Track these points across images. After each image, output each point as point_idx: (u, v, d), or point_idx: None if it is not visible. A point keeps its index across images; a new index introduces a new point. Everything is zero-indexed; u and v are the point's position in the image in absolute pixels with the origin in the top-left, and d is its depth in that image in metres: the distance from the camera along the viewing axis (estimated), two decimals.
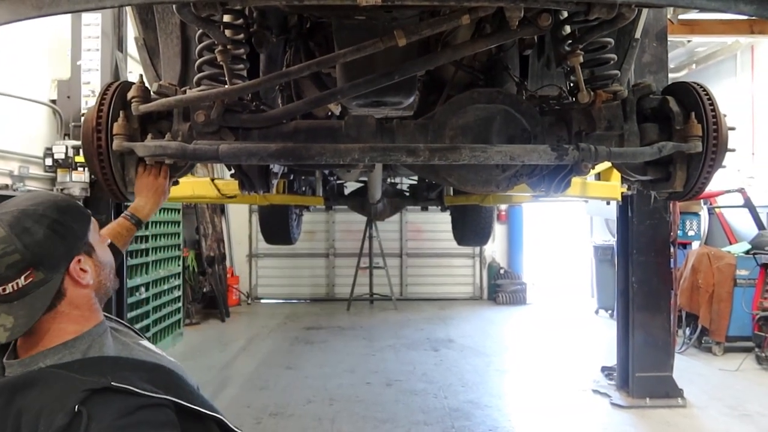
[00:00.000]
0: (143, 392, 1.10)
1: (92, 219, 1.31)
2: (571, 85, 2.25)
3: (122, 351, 1.26)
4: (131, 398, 1.08)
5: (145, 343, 1.39)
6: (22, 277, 1.13)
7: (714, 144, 2.13)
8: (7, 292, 1.13)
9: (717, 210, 8.88)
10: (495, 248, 12.33)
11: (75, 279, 1.20)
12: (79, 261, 1.22)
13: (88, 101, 5.91)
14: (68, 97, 6.09)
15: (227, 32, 1.92)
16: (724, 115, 2.19)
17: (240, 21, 1.97)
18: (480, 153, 1.95)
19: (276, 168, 2.90)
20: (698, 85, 2.23)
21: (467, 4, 1.63)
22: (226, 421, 1.25)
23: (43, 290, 1.16)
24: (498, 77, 2.56)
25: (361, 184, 6.96)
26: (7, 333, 1.15)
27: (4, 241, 1.13)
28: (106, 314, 1.33)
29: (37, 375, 1.14)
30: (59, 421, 1.03)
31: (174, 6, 1.67)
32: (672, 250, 5.66)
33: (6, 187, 5.43)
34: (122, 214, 2.02)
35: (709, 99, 2.17)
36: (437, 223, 11.41)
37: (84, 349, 1.20)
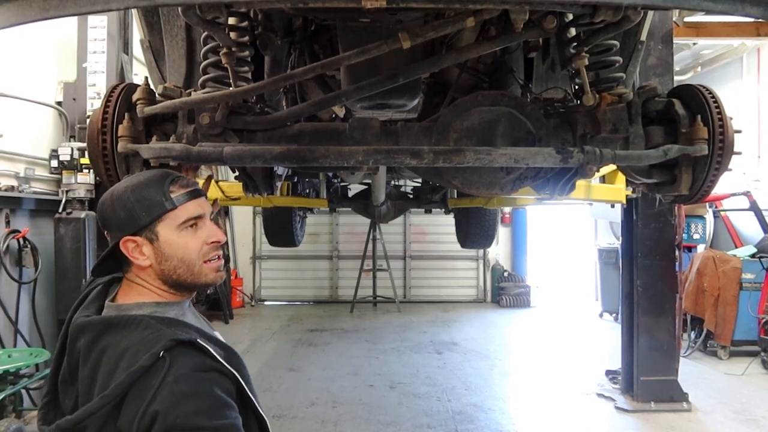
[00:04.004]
0: (219, 358, 1.23)
1: (175, 211, 1.35)
2: (576, 87, 2.25)
3: (202, 327, 1.40)
4: (208, 359, 1.22)
5: (217, 334, 1.47)
6: (105, 232, 1.37)
7: (720, 147, 2.12)
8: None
9: (722, 213, 8.84)
10: (499, 251, 12.31)
11: (126, 255, 1.33)
12: (134, 242, 1.33)
13: (94, 103, 5.94)
14: (74, 99, 6.12)
15: (232, 35, 1.92)
16: (730, 118, 2.18)
17: (245, 23, 1.97)
18: (484, 155, 1.95)
19: (280, 170, 2.90)
20: (704, 87, 2.22)
21: (472, 6, 1.63)
22: (268, 423, 1.35)
23: (109, 247, 1.36)
24: (502, 80, 2.55)
25: (365, 187, 6.96)
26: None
27: (102, 204, 1.37)
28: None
29: (130, 318, 1.27)
30: (144, 361, 1.15)
31: (179, 8, 1.67)
32: (677, 253, 5.64)
33: (12, 188, 5.44)
34: None
35: (715, 101, 2.16)
36: (441, 226, 11.41)
37: (174, 313, 1.35)
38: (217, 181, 5.44)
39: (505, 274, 12.15)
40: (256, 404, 1.30)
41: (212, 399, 1.17)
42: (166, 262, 1.33)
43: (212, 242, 1.39)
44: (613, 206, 5.83)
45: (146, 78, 2.26)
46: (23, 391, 4.71)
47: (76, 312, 1.38)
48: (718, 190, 2.46)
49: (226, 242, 10.88)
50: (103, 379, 1.19)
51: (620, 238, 6.24)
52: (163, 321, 1.27)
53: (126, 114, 2.04)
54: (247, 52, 2.01)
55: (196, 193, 1.40)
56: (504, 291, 11.85)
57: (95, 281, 1.45)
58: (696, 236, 8.48)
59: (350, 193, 7.47)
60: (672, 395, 5.50)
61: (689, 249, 8.30)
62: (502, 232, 12.09)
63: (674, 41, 5.41)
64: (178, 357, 1.18)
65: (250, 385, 1.31)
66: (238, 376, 1.26)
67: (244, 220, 12.00)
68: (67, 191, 5.85)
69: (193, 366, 1.18)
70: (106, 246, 1.43)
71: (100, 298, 1.38)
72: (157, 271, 1.34)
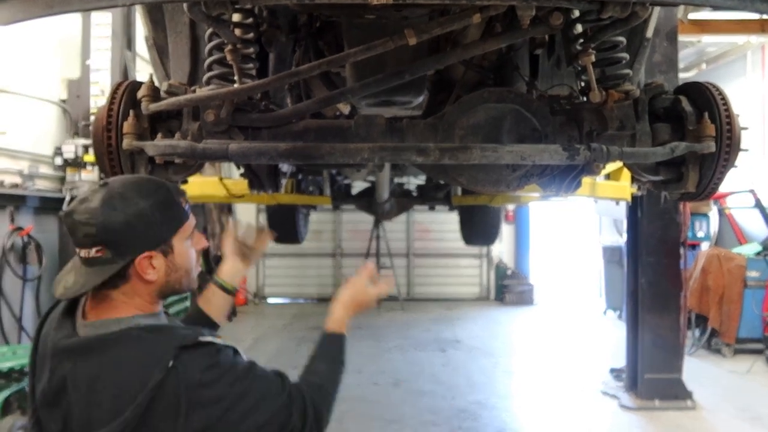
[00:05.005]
0: (217, 341, 1.24)
1: (187, 222, 1.34)
2: (582, 84, 2.23)
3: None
4: (214, 352, 1.22)
5: None
6: (93, 249, 1.23)
7: (727, 144, 2.11)
8: (83, 256, 1.24)
9: (727, 211, 8.82)
10: (502, 248, 12.29)
11: (138, 272, 1.26)
12: (151, 257, 1.26)
13: (97, 101, 5.94)
14: (78, 96, 6.13)
15: (237, 31, 1.91)
16: (737, 115, 2.16)
17: (250, 20, 1.96)
18: (491, 153, 1.93)
19: (285, 167, 2.90)
20: (711, 84, 2.21)
21: (479, 2, 1.62)
22: None
23: (106, 268, 1.23)
24: (508, 77, 2.54)
25: (369, 184, 6.97)
26: (61, 291, 1.27)
27: (90, 212, 1.22)
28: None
29: (119, 335, 1.21)
30: (156, 376, 1.13)
31: (184, 5, 1.67)
32: (682, 251, 5.63)
33: (16, 186, 5.45)
34: (212, 281, 1.80)
35: (723, 98, 2.14)
36: (444, 223, 11.41)
37: (153, 321, 1.30)
38: (221, 179, 5.45)
39: (509, 271, 12.14)
40: None
41: (237, 387, 1.20)
42: (175, 273, 1.32)
43: (200, 249, 1.41)
44: (617, 203, 5.82)
45: (151, 75, 2.25)
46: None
47: (41, 331, 1.31)
48: (722, 187, 2.44)
49: None
50: (111, 401, 1.14)
51: (625, 235, 6.22)
52: (153, 329, 1.24)
53: (131, 111, 2.04)
54: (251, 49, 2.00)
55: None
56: (507, 289, 11.85)
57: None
58: (700, 234, 8.47)
59: (354, 191, 7.48)
60: (676, 393, 5.49)
61: (694, 247, 8.28)
62: (506, 230, 12.06)
63: (679, 38, 5.38)
64: (187, 362, 1.17)
65: None
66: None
67: (248, 217, 12.00)
68: (71, 189, 5.87)
69: (204, 366, 1.18)
70: None
71: (69, 317, 1.29)
72: (161, 283, 1.30)
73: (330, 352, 1.54)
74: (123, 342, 1.20)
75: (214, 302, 1.73)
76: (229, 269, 1.81)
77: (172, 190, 1.34)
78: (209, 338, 1.24)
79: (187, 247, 1.35)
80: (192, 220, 1.37)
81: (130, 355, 1.18)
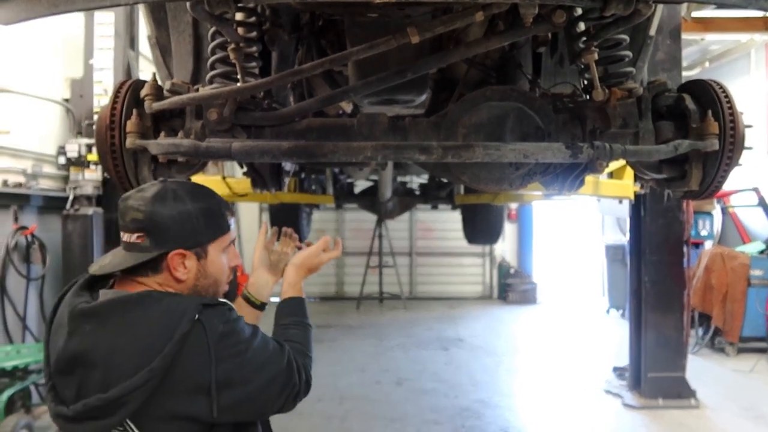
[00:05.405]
0: (228, 302, 1.35)
1: (227, 234, 1.43)
2: (585, 82, 2.23)
3: None
4: (227, 310, 1.31)
5: None
6: (135, 235, 1.32)
7: (731, 142, 2.10)
8: (125, 240, 1.34)
9: (730, 209, 8.79)
10: (505, 247, 12.29)
11: (170, 267, 1.33)
12: (183, 256, 1.34)
13: (101, 100, 5.95)
14: (81, 95, 6.14)
15: (240, 30, 1.91)
16: (741, 113, 2.16)
17: (253, 19, 1.96)
18: (494, 151, 1.93)
19: (288, 166, 2.90)
20: (715, 82, 2.20)
21: (481, 0, 1.62)
22: None
23: (140, 255, 1.32)
24: (510, 75, 2.53)
25: (372, 183, 6.97)
26: (96, 267, 1.35)
27: (143, 200, 1.33)
28: None
29: (141, 294, 1.28)
30: (183, 327, 1.21)
31: (188, 3, 1.67)
32: (685, 249, 5.62)
33: (20, 185, 5.47)
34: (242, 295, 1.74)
35: (726, 96, 2.14)
36: (447, 222, 11.41)
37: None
38: (224, 177, 5.45)
39: (512, 270, 12.14)
40: None
41: (250, 342, 1.29)
42: (204, 279, 1.38)
43: (233, 266, 1.47)
44: (620, 202, 5.81)
45: (154, 74, 2.25)
46: (32, 387, 4.74)
47: (59, 306, 1.33)
48: (726, 185, 2.44)
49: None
50: (135, 357, 1.19)
51: (627, 234, 6.22)
52: (170, 293, 1.33)
53: (134, 110, 2.04)
54: (254, 48, 2.00)
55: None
56: (510, 287, 11.84)
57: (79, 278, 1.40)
58: (704, 232, 8.45)
59: (356, 190, 7.48)
60: (680, 392, 5.49)
61: (697, 245, 8.26)
62: (509, 229, 12.06)
63: (682, 36, 5.37)
64: (210, 317, 1.25)
65: None
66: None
67: (250, 216, 12.02)
68: (74, 188, 5.87)
69: (224, 321, 1.27)
70: (113, 243, 1.42)
71: (85, 292, 1.33)
72: (189, 285, 1.36)
73: (297, 317, 1.60)
74: (145, 301, 1.26)
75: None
76: (257, 281, 1.76)
77: (221, 202, 1.44)
78: (222, 300, 1.34)
79: (221, 258, 1.42)
80: (232, 235, 1.45)
81: (154, 312, 1.24)
